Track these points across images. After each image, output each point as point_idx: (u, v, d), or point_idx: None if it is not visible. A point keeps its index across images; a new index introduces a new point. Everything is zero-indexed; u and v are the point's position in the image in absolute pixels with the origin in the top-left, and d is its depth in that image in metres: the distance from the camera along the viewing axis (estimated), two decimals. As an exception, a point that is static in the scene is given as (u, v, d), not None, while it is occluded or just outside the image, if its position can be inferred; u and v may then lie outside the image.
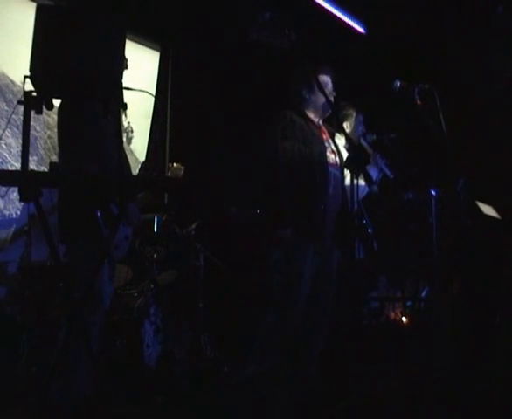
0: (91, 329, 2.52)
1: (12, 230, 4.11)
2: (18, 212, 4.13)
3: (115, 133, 2.54)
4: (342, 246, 3.16)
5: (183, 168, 3.53)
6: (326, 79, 3.17)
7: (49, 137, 4.43)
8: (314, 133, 3.12)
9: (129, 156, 5.07)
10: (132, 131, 5.12)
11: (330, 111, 3.20)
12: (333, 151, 3.18)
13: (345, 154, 3.51)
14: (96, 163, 2.58)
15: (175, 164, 3.54)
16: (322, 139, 3.16)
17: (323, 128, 3.24)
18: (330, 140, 3.22)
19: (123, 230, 2.79)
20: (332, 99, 3.16)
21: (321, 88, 2.92)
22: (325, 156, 3.08)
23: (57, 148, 2.95)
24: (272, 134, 3.09)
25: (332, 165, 3.12)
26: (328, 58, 4.70)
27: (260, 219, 3.21)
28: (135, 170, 4.83)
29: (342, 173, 3.19)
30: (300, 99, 3.18)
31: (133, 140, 5.18)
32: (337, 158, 3.19)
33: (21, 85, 2.00)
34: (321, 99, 3.13)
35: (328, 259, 3.08)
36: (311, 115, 3.19)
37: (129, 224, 2.82)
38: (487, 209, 3.76)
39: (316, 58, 3.16)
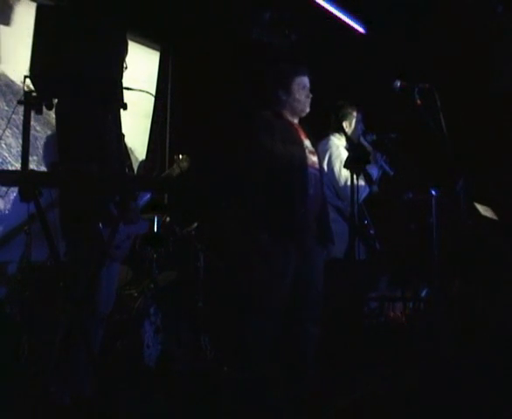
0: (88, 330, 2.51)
1: (9, 229, 4.11)
2: (18, 212, 4.12)
3: (115, 133, 2.53)
4: (324, 245, 3.16)
5: (188, 159, 3.51)
6: (304, 80, 3.14)
7: (49, 137, 4.42)
8: (292, 134, 3.09)
9: (129, 155, 5.08)
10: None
11: (307, 112, 3.18)
12: (311, 151, 3.14)
13: (345, 155, 3.52)
14: (96, 163, 2.58)
15: (181, 156, 3.52)
16: (301, 139, 3.12)
17: (300, 129, 3.20)
18: (308, 141, 3.18)
19: (125, 229, 2.78)
20: (309, 100, 3.15)
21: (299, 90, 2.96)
22: (305, 157, 3.05)
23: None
24: (250, 135, 3.08)
25: (311, 165, 3.09)
26: (327, 58, 4.71)
27: (238, 221, 3.21)
28: (134, 169, 4.83)
29: (321, 173, 3.17)
30: (276, 100, 3.14)
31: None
32: (315, 158, 3.15)
33: (21, 85, 2.00)
34: (298, 101, 3.12)
35: (311, 259, 3.06)
36: (288, 116, 3.15)
37: (130, 223, 2.81)
38: (485, 210, 3.77)
39: (294, 59, 3.15)
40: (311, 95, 3.15)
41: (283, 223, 2.95)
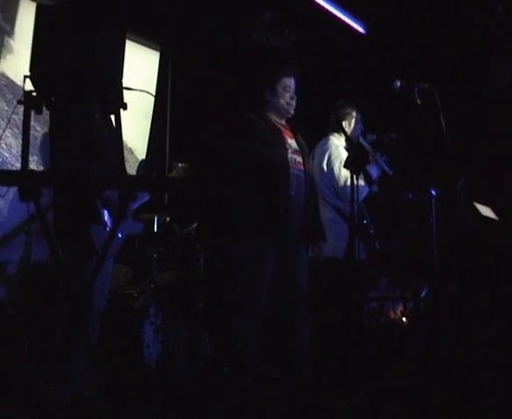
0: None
1: (9, 229, 4.11)
2: (18, 212, 4.13)
3: (115, 133, 2.53)
4: (309, 245, 3.18)
5: (189, 167, 3.53)
6: (289, 82, 3.15)
7: (49, 137, 4.42)
8: (275, 136, 3.10)
9: (129, 156, 5.09)
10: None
11: (291, 113, 3.18)
12: (295, 151, 3.13)
13: (345, 155, 3.52)
14: (95, 163, 2.59)
15: (180, 164, 3.53)
16: (285, 140, 3.12)
17: (286, 129, 3.20)
18: (294, 141, 3.18)
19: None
20: (294, 102, 3.16)
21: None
22: (287, 158, 3.05)
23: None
24: (232, 137, 3.11)
25: (294, 166, 3.08)
26: (328, 58, 4.71)
27: (222, 222, 3.22)
28: (134, 169, 4.83)
29: (306, 173, 3.14)
30: (262, 101, 3.17)
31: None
32: (300, 158, 3.13)
33: (21, 85, 2.00)
34: (283, 102, 3.13)
35: (295, 260, 3.07)
36: (273, 117, 3.17)
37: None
38: (485, 211, 3.76)
39: (281, 60, 3.16)
40: (295, 97, 3.16)
41: (265, 225, 2.97)
